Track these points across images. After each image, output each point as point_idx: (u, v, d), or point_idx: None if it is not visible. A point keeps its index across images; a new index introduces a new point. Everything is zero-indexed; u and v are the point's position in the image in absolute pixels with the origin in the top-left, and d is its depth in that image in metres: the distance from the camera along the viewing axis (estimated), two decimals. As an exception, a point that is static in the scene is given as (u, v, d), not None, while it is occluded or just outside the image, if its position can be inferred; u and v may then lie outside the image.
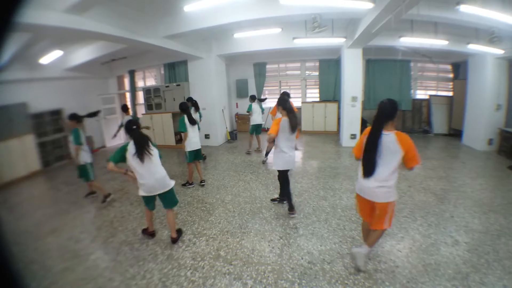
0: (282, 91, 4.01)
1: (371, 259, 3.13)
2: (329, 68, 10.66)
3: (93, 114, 5.63)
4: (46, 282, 3.07)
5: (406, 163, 2.64)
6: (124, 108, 6.80)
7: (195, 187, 5.70)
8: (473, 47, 6.60)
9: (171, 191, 3.62)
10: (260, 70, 11.44)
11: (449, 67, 10.06)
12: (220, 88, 9.73)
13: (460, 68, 9.54)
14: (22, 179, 7.24)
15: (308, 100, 11.50)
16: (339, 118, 9.95)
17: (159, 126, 9.71)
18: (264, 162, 7.16)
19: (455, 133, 9.33)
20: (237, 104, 12.17)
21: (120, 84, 12.12)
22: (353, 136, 8.37)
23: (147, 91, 10.21)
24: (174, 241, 3.69)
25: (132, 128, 3.39)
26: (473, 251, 3.22)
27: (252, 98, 8.05)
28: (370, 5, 4.46)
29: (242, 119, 11.76)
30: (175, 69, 10.21)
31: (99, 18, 4.81)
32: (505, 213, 4.10)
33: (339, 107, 10.01)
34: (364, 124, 8.70)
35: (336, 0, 4.55)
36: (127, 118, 6.77)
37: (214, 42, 8.93)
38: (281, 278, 2.91)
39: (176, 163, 7.79)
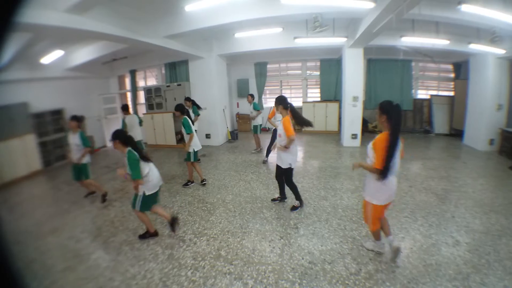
0: (278, 96, 4.04)
1: (372, 259, 3.13)
2: (330, 68, 10.65)
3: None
4: (46, 282, 3.07)
5: None
6: (125, 108, 6.78)
7: (196, 187, 5.70)
8: (475, 47, 6.58)
9: None
10: (261, 69, 11.43)
11: (450, 67, 10.05)
12: (221, 88, 9.74)
13: (461, 68, 9.53)
14: (23, 178, 7.25)
15: (309, 100, 11.51)
16: (340, 118, 9.95)
17: (160, 126, 9.72)
18: (265, 162, 7.16)
19: (456, 133, 9.31)
20: (238, 103, 12.17)
21: (121, 84, 12.13)
22: (354, 136, 8.36)
23: (148, 90, 10.22)
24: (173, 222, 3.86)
25: (129, 136, 3.52)
26: (474, 252, 3.21)
27: (253, 97, 8.03)
28: (371, 5, 4.46)
29: (243, 118, 11.76)
30: (176, 69, 10.21)
31: (100, 18, 4.81)
32: (506, 214, 4.09)
33: (340, 107, 10.01)
34: (365, 124, 8.69)
35: (337, -1, 4.56)
36: (129, 118, 6.78)
37: (215, 42, 8.93)
38: (281, 278, 2.91)
39: (176, 163, 7.78)
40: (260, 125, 8.05)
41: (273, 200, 4.80)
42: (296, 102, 11.51)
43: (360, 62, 7.94)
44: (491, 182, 5.41)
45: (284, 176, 4.34)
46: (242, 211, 4.53)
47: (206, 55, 8.98)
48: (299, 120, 4.32)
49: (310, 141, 9.32)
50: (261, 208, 4.58)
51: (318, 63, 10.93)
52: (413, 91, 10.45)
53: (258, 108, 7.91)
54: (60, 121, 8.74)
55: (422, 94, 10.75)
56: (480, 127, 7.72)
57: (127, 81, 11.82)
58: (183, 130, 5.41)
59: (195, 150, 5.51)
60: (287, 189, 4.56)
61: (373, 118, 10.35)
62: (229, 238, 3.76)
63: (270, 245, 3.53)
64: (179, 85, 9.48)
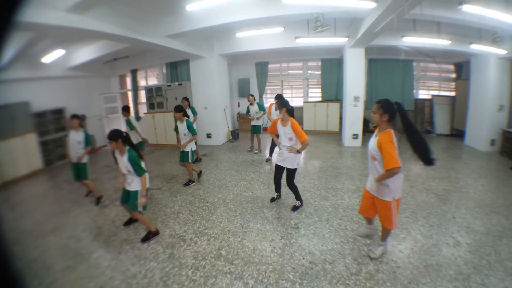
0: (280, 96, 4.00)
1: (373, 260, 3.13)
2: (331, 68, 10.63)
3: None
4: (47, 281, 3.08)
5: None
6: (126, 109, 6.64)
7: (196, 186, 5.71)
8: (476, 47, 6.57)
9: None
10: (262, 69, 11.42)
11: (451, 67, 10.03)
12: (222, 88, 9.73)
13: (462, 68, 9.50)
14: (24, 177, 7.26)
15: (310, 99, 11.50)
16: (341, 118, 9.95)
17: (161, 126, 9.73)
18: (268, 160, 7.17)
19: (458, 134, 9.30)
20: (239, 103, 12.16)
21: (122, 83, 12.14)
22: (355, 136, 8.36)
23: (149, 90, 10.21)
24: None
25: (127, 135, 3.58)
26: (474, 252, 3.21)
27: (254, 98, 8.03)
28: (373, 5, 4.46)
29: (244, 118, 11.76)
30: (177, 68, 10.22)
31: (101, 17, 4.81)
32: (507, 214, 4.08)
33: (341, 107, 10.01)
34: (366, 124, 8.67)
35: (339, -1, 4.55)
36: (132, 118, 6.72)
37: (216, 42, 8.92)
38: (282, 278, 2.91)
39: (177, 162, 7.73)
40: (261, 125, 8.03)
41: (272, 200, 4.81)
42: (297, 102, 11.52)
43: (362, 62, 7.93)
44: (492, 183, 5.40)
45: (288, 176, 4.31)
46: (243, 210, 4.54)
47: (207, 55, 8.98)
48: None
49: (311, 141, 9.23)
50: (261, 208, 4.58)
51: (319, 63, 10.91)
52: (414, 91, 10.43)
53: (263, 108, 7.89)
54: (61, 120, 8.76)
55: (423, 94, 10.73)
56: (482, 128, 7.71)
57: (128, 81, 11.82)
58: (185, 131, 5.44)
59: (193, 149, 5.59)
60: (287, 189, 4.56)
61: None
62: (229, 237, 3.76)
63: (270, 245, 3.53)
64: (180, 84, 9.47)
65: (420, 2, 4.01)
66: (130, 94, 11.89)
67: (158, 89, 9.98)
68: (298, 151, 4.04)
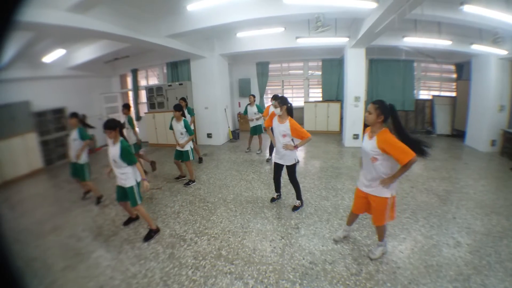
0: (281, 96, 4.05)
1: (373, 260, 3.13)
2: (332, 68, 10.62)
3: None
4: (47, 280, 3.09)
5: None
6: (127, 107, 6.60)
7: (197, 186, 5.71)
8: (477, 47, 6.56)
9: None
10: (262, 69, 11.41)
11: (452, 67, 10.01)
12: (222, 87, 9.73)
13: (463, 69, 9.49)
14: (24, 177, 7.27)
15: (310, 99, 11.49)
16: (341, 118, 9.94)
17: (162, 125, 9.72)
18: (268, 160, 7.17)
19: (458, 134, 9.29)
20: (239, 103, 12.15)
21: (123, 83, 12.14)
22: (355, 136, 8.35)
23: (149, 90, 10.21)
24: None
25: (123, 127, 3.74)
26: (475, 253, 3.20)
27: (255, 98, 8.03)
28: (374, 5, 4.46)
29: (244, 118, 11.75)
30: (178, 68, 10.21)
31: (102, 17, 4.82)
32: (508, 215, 4.08)
33: (341, 107, 10.00)
34: (367, 124, 8.65)
35: (339, -1, 4.55)
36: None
37: (217, 41, 8.92)
38: (282, 278, 2.91)
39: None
40: (261, 124, 8.01)
41: (272, 200, 4.80)
42: (298, 102, 11.51)
43: (362, 62, 7.93)
44: (493, 184, 5.40)
45: (289, 173, 4.33)
46: (243, 210, 4.54)
47: (208, 55, 8.99)
48: None
49: (311, 141, 9.24)
50: (262, 208, 4.58)
51: (320, 63, 10.90)
52: (415, 91, 10.40)
53: (262, 111, 7.86)
54: (61, 120, 8.76)
55: (424, 94, 10.71)
56: (482, 128, 7.70)
57: (129, 80, 11.81)
58: (182, 131, 5.49)
59: (191, 147, 5.67)
60: (287, 190, 4.56)
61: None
62: (230, 237, 3.76)
63: (271, 245, 3.53)
64: (180, 84, 9.47)
65: (421, 3, 4.01)
66: (130, 93, 11.88)
67: (158, 89, 9.98)
68: (296, 147, 4.07)
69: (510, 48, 6.45)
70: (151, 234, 3.84)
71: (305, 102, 11.03)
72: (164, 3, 5.51)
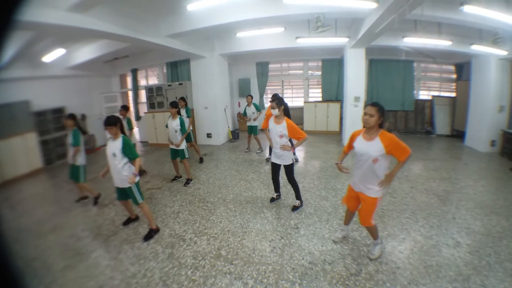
0: (278, 96, 4.09)
1: (373, 260, 3.13)
2: (332, 68, 10.63)
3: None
4: (47, 280, 3.08)
5: None
6: (125, 108, 6.58)
7: (196, 186, 5.71)
8: (477, 48, 6.56)
9: None
10: (262, 69, 11.42)
11: (452, 67, 10.02)
12: (222, 87, 9.73)
13: (463, 69, 9.50)
14: (24, 176, 7.27)
15: (310, 100, 11.50)
16: (341, 118, 9.94)
17: (161, 125, 9.71)
18: (268, 160, 7.18)
19: (458, 134, 9.29)
20: (239, 103, 12.15)
21: (123, 83, 12.15)
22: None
23: (149, 89, 10.21)
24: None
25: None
26: (474, 253, 3.20)
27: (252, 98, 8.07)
28: (374, 5, 4.45)
29: (244, 118, 11.72)
30: (178, 68, 10.21)
31: (102, 17, 4.81)
32: (507, 215, 4.08)
33: (341, 107, 10.00)
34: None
35: (340, -1, 4.54)
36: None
37: (217, 41, 8.92)
38: (282, 278, 2.91)
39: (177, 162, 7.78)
40: (257, 126, 8.01)
41: (272, 200, 4.80)
42: (298, 102, 11.52)
43: (362, 62, 7.92)
44: (492, 184, 5.40)
45: (287, 172, 4.34)
46: (243, 210, 4.53)
47: (208, 55, 8.98)
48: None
49: (311, 141, 9.31)
50: (261, 208, 4.58)
51: (320, 63, 10.90)
52: (414, 91, 10.42)
53: (259, 109, 7.92)
54: (61, 120, 8.74)
55: (423, 95, 10.73)
56: (482, 129, 7.70)
57: (129, 80, 11.82)
58: (176, 128, 5.56)
59: (186, 146, 5.77)
60: (286, 190, 4.56)
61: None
62: (229, 237, 3.76)
63: (270, 245, 3.53)
64: (180, 84, 9.47)
65: (421, 3, 4.01)
66: (130, 93, 11.89)
67: (158, 88, 9.98)
68: (293, 148, 4.10)
69: (510, 48, 6.45)
70: (151, 233, 3.84)
71: (304, 102, 11.04)
72: (164, 3, 5.51)
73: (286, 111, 4.20)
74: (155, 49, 8.50)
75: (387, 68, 10.19)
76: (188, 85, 9.47)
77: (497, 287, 2.66)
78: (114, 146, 3.55)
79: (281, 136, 4.09)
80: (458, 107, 9.32)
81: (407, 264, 3.04)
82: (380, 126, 2.77)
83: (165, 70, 10.90)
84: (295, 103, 11.58)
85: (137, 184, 3.72)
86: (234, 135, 10.34)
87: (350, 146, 3.11)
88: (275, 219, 4.20)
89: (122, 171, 3.60)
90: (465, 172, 6.12)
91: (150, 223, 3.88)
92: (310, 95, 11.65)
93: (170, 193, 5.46)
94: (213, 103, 9.38)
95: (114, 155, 3.54)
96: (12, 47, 5.91)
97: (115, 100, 11.39)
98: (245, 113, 8.02)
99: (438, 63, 9.64)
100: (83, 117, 9.58)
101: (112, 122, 3.53)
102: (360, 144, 2.90)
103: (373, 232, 3.14)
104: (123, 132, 3.71)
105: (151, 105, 10.21)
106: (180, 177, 6.13)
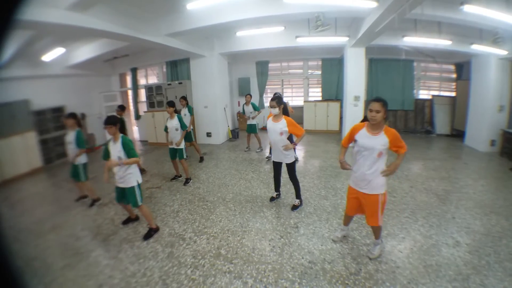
0: (278, 95, 4.12)
1: (372, 260, 3.13)
2: (332, 67, 10.62)
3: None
4: (46, 279, 3.09)
5: None
6: (122, 108, 6.63)
7: (196, 185, 5.71)
8: (477, 47, 6.56)
9: None
10: (262, 68, 11.41)
11: (452, 67, 10.01)
12: (222, 87, 9.72)
13: (463, 69, 9.49)
14: (24, 176, 7.26)
15: (310, 99, 11.50)
16: (341, 118, 9.94)
17: (161, 124, 9.66)
18: (268, 158, 7.18)
19: (458, 134, 9.29)
20: (239, 102, 12.14)
21: (122, 82, 12.13)
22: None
23: (149, 89, 10.20)
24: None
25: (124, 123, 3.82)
26: (474, 253, 3.21)
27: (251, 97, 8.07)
28: (374, 4, 4.44)
29: (243, 117, 11.73)
30: (177, 67, 10.19)
31: (101, 16, 4.80)
32: (507, 215, 4.08)
33: (341, 106, 9.99)
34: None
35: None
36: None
37: (217, 40, 8.91)
38: (281, 277, 2.91)
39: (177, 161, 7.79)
40: (256, 124, 8.02)
41: (272, 199, 4.80)
42: (298, 101, 11.51)
43: (362, 61, 7.92)
44: (492, 184, 5.40)
45: (289, 170, 4.34)
46: (242, 210, 4.54)
47: (207, 54, 8.97)
48: None
49: (311, 141, 9.32)
50: (261, 207, 4.58)
51: (320, 62, 10.89)
52: (414, 91, 10.41)
53: (258, 108, 7.94)
54: (61, 119, 8.73)
55: (423, 94, 10.72)
56: (482, 128, 7.70)
57: (128, 79, 11.81)
58: (177, 127, 5.58)
59: (184, 145, 5.77)
60: (286, 189, 4.56)
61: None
62: (229, 236, 3.76)
63: (270, 244, 3.53)
64: (180, 83, 9.46)
65: (421, 2, 4.00)
66: (130, 92, 11.88)
67: (158, 87, 9.97)
68: (295, 145, 4.11)
69: (510, 48, 6.45)
70: (151, 233, 3.84)
71: (304, 102, 11.03)
72: (164, 1, 5.49)
73: (285, 110, 4.23)
74: (154, 48, 8.48)
75: (387, 68, 10.19)
76: (188, 84, 9.46)
77: (497, 286, 2.66)
78: (117, 149, 3.54)
79: (281, 134, 4.09)
80: (458, 106, 9.32)
81: (407, 263, 3.05)
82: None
83: (164, 69, 10.88)
84: (295, 102, 11.56)
85: (139, 185, 3.71)
86: (234, 134, 10.33)
87: (351, 139, 3.06)
88: (274, 218, 4.20)
89: (126, 171, 3.60)
90: (465, 171, 6.13)
91: (150, 223, 3.89)
92: (310, 94, 11.64)
93: (169, 192, 5.46)
94: (213, 102, 9.37)
95: (120, 158, 3.52)
96: (11, 46, 5.89)
97: (114, 99, 11.37)
98: (243, 112, 8.03)
99: (438, 62, 9.64)
100: (83, 116, 9.56)
101: (110, 121, 3.52)
102: (364, 138, 2.86)
103: (378, 232, 3.14)
104: (123, 131, 3.71)
105: (151, 104, 10.20)
106: (180, 176, 6.13)
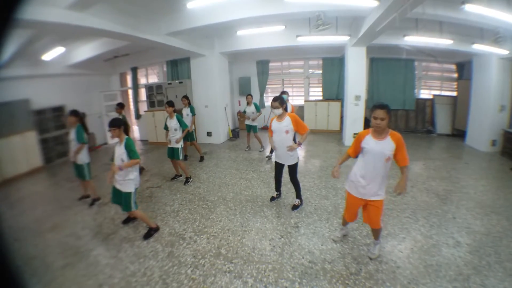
0: (283, 91, 4.10)
1: (373, 259, 3.13)
2: (333, 67, 10.60)
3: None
4: (46, 279, 3.08)
5: None
6: (121, 106, 6.63)
7: (196, 185, 5.70)
8: (478, 47, 6.53)
9: None
10: (263, 68, 11.39)
11: (453, 66, 9.98)
12: (222, 86, 9.71)
13: (464, 68, 9.46)
14: (24, 175, 7.26)
15: (311, 98, 11.47)
16: (342, 117, 9.92)
17: (161, 124, 9.62)
18: (269, 158, 7.18)
19: (459, 134, 9.26)
20: (239, 101, 12.13)
21: (123, 81, 12.12)
22: (356, 135, 8.31)
23: (149, 88, 10.20)
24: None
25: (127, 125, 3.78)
26: (474, 253, 3.20)
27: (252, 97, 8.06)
28: (375, 3, 4.43)
29: (244, 117, 11.72)
30: (178, 66, 10.19)
31: (102, 15, 4.80)
32: (508, 215, 4.08)
33: (342, 106, 9.98)
34: (367, 123, 8.64)
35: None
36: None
37: (217, 40, 8.90)
38: (281, 277, 2.90)
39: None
40: (256, 125, 8.00)
41: (272, 199, 4.80)
42: (298, 101, 11.49)
43: (363, 61, 7.91)
44: (493, 184, 5.39)
45: (291, 172, 4.33)
46: (243, 209, 4.53)
47: (208, 53, 8.96)
48: None
49: (311, 140, 9.31)
50: (261, 207, 4.57)
51: (321, 62, 10.86)
52: (415, 90, 10.38)
53: (259, 109, 7.92)
54: (61, 118, 8.74)
55: (424, 94, 10.69)
56: (483, 128, 7.68)
57: (129, 79, 11.80)
58: (176, 127, 5.57)
59: (182, 146, 5.75)
60: (287, 188, 4.56)
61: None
62: (229, 236, 3.76)
63: (270, 244, 3.53)
64: (180, 82, 9.46)
65: (422, 1, 3.99)
66: (130, 92, 11.88)
67: (158, 87, 9.97)
68: (299, 144, 4.07)
69: (511, 48, 6.43)
70: (151, 232, 3.84)
71: (305, 101, 11.01)
72: (164, 0, 5.48)
73: (285, 109, 4.22)
74: (155, 47, 8.47)
75: (388, 67, 10.16)
76: (188, 83, 9.46)
77: (497, 287, 2.65)
78: (121, 151, 3.54)
79: (287, 132, 4.07)
80: (459, 106, 9.29)
81: (407, 263, 3.04)
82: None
83: (165, 69, 10.89)
84: (295, 101, 11.54)
85: (135, 191, 3.69)
86: (234, 133, 10.33)
87: (357, 148, 3.00)
88: (275, 218, 4.20)
89: (127, 176, 3.58)
90: (466, 171, 6.12)
91: (148, 224, 3.88)
92: (310, 93, 11.61)
93: (170, 191, 5.46)
94: (213, 101, 9.36)
95: (123, 160, 3.51)
96: (11, 46, 5.88)
97: (115, 99, 11.34)
98: (245, 112, 8.02)
99: (439, 62, 9.61)
100: (83, 115, 9.54)
101: (114, 124, 3.50)
102: (371, 143, 2.83)
103: (379, 233, 3.15)
104: (127, 133, 3.69)
105: (151, 104, 10.20)
106: (180, 175, 6.12)
